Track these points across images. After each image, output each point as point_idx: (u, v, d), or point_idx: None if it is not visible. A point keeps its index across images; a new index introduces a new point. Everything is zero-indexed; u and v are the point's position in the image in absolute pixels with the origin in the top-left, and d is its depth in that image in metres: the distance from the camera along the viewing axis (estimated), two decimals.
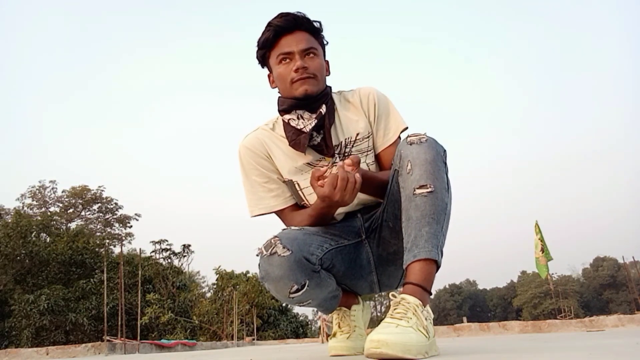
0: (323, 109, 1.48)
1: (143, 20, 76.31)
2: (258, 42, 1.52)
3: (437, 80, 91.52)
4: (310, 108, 1.48)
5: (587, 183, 76.62)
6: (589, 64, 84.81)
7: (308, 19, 1.50)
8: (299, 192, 1.57)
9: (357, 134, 1.53)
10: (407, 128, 1.54)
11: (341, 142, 1.53)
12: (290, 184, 1.57)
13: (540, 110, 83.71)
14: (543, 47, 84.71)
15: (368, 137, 1.54)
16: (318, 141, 1.49)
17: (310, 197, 1.55)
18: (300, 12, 1.49)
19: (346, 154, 1.52)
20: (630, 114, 74.25)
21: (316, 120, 1.47)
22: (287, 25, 1.47)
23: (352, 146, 1.53)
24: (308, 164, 1.53)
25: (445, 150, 1.33)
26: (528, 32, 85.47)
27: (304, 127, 1.48)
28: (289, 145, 1.51)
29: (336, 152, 1.52)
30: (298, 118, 1.49)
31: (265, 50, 1.52)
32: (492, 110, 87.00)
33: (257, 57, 1.56)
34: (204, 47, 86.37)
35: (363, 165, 1.53)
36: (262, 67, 1.59)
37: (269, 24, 1.48)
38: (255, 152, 1.57)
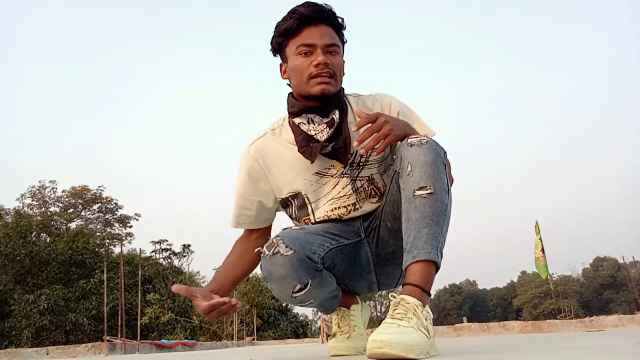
0: (336, 115, 1.43)
1: (145, 19, 76.38)
2: (277, 28, 1.43)
3: (432, 80, 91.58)
4: (321, 112, 1.43)
5: (587, 183, 76.74)
6: (587, 63, 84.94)
7: (334, 13, 1.41)
8: (308, 205, 1.53)
9: None
10: (435, 134, 1.51)
11: (356, 150, 1.48)
12: (299, 197, 1.53)
13: (539, 108, 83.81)
14: (542, 49, 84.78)
15: None
16: (329, 150, 1.44)
17: (318, 211, 1.53)
18: (327, 5, 1.40)
19: (360, 164, 1.49)
20: (630, 115, 74.32)
21: (328, 127, 1.42)
22: (313, 15, 1.38)
23: (368, 155, 1.49)
24: (317, 173, 1.49)
25: (445, 152, 1.32)
26: (530, 28, 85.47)
27: (316, 133, 1.43)
28: (299, 151, 1.45)
29: (349, 160, 1.48)
30: (308, 122, 1.44)
31: (284, 38, 1.42)
32: (491, 109, 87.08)
33: (272, 44, 1.47)
34: (205, 48, 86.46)
35: (376, 175, 1.51)
36: (275, 55, 1.49)
37: (294, 11, 1.39)
38: (252, 167, 1.54)
